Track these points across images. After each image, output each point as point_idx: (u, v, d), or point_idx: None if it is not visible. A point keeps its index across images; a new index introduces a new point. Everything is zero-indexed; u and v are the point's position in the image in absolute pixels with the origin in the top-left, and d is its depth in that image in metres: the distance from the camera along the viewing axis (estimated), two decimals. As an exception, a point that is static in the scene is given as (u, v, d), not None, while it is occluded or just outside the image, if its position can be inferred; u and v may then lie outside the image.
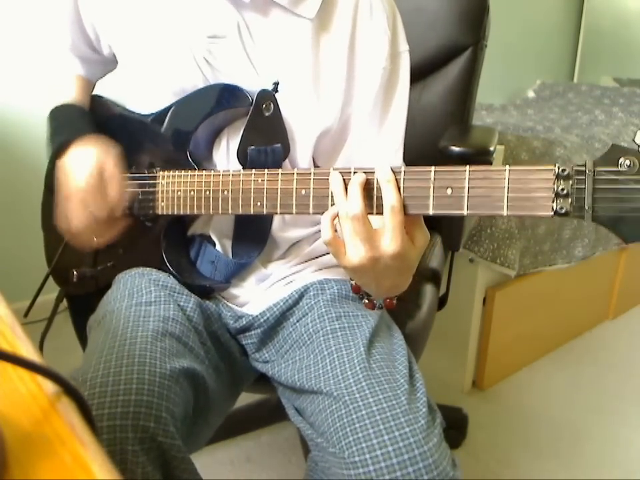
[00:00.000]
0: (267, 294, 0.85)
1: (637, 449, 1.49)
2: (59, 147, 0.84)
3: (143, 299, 0.77)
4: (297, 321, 0.82)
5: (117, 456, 0.60)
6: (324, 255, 0.89)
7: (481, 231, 1.57)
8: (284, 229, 0.86)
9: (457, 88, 1.22)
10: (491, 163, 1.14)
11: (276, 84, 0.78)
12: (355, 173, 0.64)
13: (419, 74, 1.14)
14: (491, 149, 1.12)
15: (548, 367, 1.79)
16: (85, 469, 0.31)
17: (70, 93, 0.93)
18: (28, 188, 1.36)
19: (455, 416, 1.50)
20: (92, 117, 0.90)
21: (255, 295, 0.86)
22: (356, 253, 0.62)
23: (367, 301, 0.74)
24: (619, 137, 2.09)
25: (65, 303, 1.00)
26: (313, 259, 0.88)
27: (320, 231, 0.89)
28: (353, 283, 0.73)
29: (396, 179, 0.61)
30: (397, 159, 0.84)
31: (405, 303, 0.98)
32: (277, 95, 0.78)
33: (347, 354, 0.72)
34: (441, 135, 1.13)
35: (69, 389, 0.35)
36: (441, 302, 1.17)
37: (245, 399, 1.44)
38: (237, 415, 1.42)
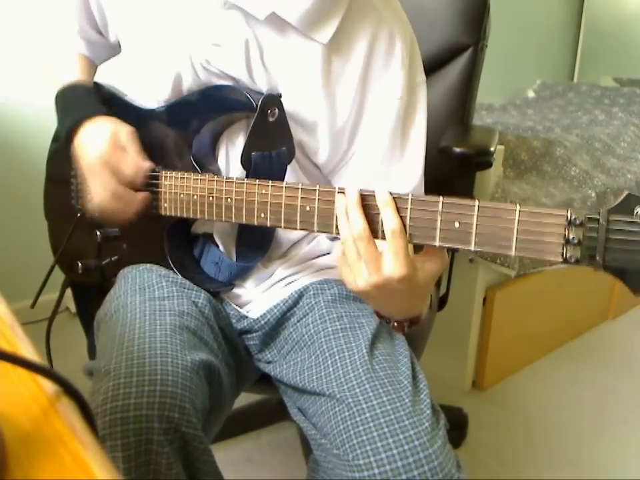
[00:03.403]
0: (267, 295, 0.85)
1: (637, 448, 1.48)
2: (70, 128, 0.83)
3: (156, 294, 0.77)
4: (298, 321, 0.82)
5: (142, 446, 0.60)
6: (323, 255, 0.89)
7: (481, 231, 1.57)
8: (286, 230, 0.86)
9: (457, 88, 1.22)
10: (491, 164, 1.14)
11: (278, 95, 0.76)
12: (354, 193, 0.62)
13: (419, 74, 1.14)
14: (492, 149, 1.12)
15: (548, 367, 1.79)
16: (84, 469, 0.31)
17: (75, 73, 0.92)
18: (28, 188, 1.37)
19: (455, 416, 1.50)
20: (98, 96, 0.89)
21: (255, 295, 0.86)
22: (361, 277, 0.61)
23: (395, 324, 0.73)
24: (619, 137, 2.09)
25: (64, 303, 1.00)
26: (313, 259, 0.88)
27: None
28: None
29: (398, 206, 0.60)
30: (419, 189, 0.82)
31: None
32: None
33: (349, 355, 0.72)
34: (441, 135, 1.13)
35: (69, 389, 0.34)
36: (441, 302, 1.17)
37: (245, 398, 1.44)
38: (237, 415, 1.42)
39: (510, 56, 2.78)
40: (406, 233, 0.59)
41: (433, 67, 1.20)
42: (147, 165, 0.81)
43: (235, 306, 0.86)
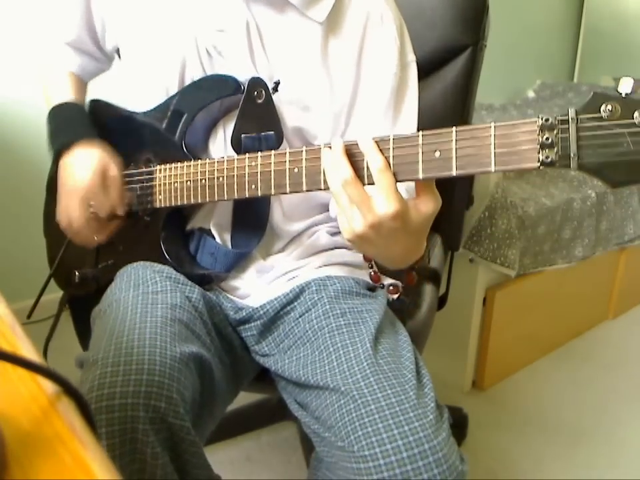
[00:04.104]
0: (269, 288, 0.86)
1: (636, 448, 1.49)
2: (61, 147, 0.85)
3: (149, 288, 0.78)
4: (300, 317, 0.82)
5: (127, 434, 0.60)
6: (325, 250, 0.89)
7: (480, 230, 1.57)
8: (285, 222, 0.87)
9: (456, 88, 1.22)
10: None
11: (277, 83, 0.79)
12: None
13: (419, 74, 1.15)
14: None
15: (548, 367, 1.79)
16: (84, 469, 0.31)
17: (67, 91, 0.93)
18: (28, 188, 1.37)
19: (455, 416, 1.49)
20: (91, 118, 0.91)
21: (256, 288, 0.86)
22: (356, 221, 0.62)
23: (392, 288, 0.74)
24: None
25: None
26: (315, 254, 0.89)
27: (319, 224, 0.90)
28: (372, 272, 0.74)
29: (380, 148, 0.61)
30: None
31: (405, 303, 0.98)
32: (277, 95, 0.79)
33: (352, 350, 0.73)
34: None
35: (69, 389, 0.35)
36: (441, 302, 1.17)
37: (245, 398, 1.44)
38: (237, 415, 1.42)
39: (510, 56, 2.78)
40: (391, 169, 0.61)
41: (432, 66, 1.20)
42: (122, 210, 0.85)
43: (233, 297, 0.86)
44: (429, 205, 0.63)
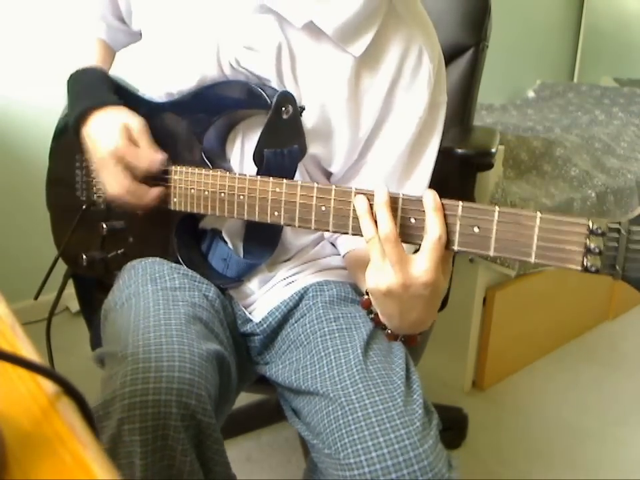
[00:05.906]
0: (269, 296, 0.86)
1: (637, 449, 1.48)
2: (79, 116, 0.82)
3: (167, 284, 0.77)
4: (295, 322, 0.82)
5: (159, 431, 0.60)
6: (325, 257, 0.89)
7: (481, 231, 1.57)
8: (295, 236, 0.86)
9: (458, 89, 1.22)
10: (492, 165, 1.14)
11: (302, 108, 0.77)
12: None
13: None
14: (493, 150, 1.12)
15: (548, 367, 1.79)
16: (85, 469, 0.31)
17: (92, 57, 0.92)
18: (28, 188, 1.37)
19: (455, 416, 1.50)
20: (112, 83, 0.88)
21: (259, 298, 0.86)
22: (385, 277, 0.61)
23: (389, 332, 0.73)
24: (619, 137, 2.09)
25: (64, 303, 1.00)
26: (314, 260, 0.88)
27: (323, 234, 0.89)
28: (373, 315, 0.73)
29: (410, 209, 0.60)
30: None
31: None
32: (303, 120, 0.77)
33: (343, 355, 0.72)
34: (442, 136, 1.13)
35: (69, 389, 0.34)
36: (442, 303, 1.17)
37: (245, 398, 1.44)
38: (237, 415, 1.42)
39: (510, 56, 2.78)
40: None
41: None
42: (159, 157, 0.80)
43: (242, 307, 0.86)
44: (446, 275, 0.63)
